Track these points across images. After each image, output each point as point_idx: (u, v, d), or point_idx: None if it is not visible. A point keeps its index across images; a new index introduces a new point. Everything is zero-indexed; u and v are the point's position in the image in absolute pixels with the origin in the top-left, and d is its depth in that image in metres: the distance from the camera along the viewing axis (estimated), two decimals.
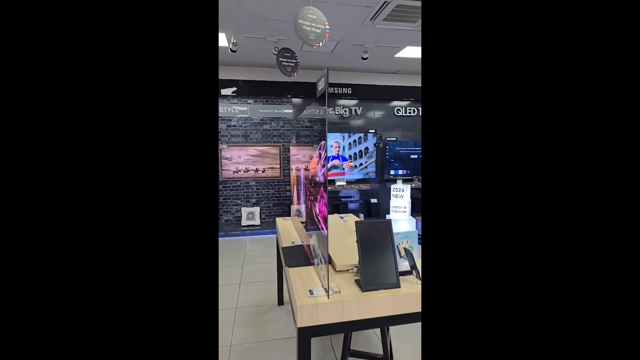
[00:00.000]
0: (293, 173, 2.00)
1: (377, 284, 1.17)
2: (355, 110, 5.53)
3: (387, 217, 3.96)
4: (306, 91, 5.28)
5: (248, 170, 5.23)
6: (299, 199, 1.76)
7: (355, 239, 1.60)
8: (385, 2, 2.97)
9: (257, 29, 3.67)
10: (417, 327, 2.27)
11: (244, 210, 5.11)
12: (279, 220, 2.45)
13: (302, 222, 1.63)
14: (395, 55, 4.63)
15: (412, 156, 5.38)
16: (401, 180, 4.54)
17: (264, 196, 5.36)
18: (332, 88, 5.36)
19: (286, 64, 3.50)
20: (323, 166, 0.99)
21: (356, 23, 3.47)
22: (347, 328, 1.12)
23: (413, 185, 4.81)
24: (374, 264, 1.19)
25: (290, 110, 5.32)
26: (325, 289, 1.13)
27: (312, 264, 1.39)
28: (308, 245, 1.51)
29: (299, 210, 1.89)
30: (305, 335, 1.08)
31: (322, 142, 1.01)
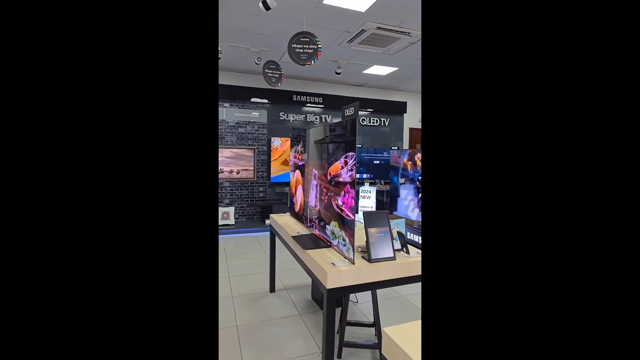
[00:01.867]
0: (296, 175, 2.36)
1: (380, 257, 1.60)
2: (325, 118, 5.99)
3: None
4: (279, 97, 5.61)
5: (222, 172, 5.39)
6: (306, 196, 2.13)
7: None
8: (363, 30, 3.47)
9: (242, 40, 3.94)
10: (397, 300, 2.76)
11: (219, 210, 5.26)
12: (275, 216, 2.78)
13: (314, 216, 2.00)
14: (363, 72, 5.20)
15: (374, 162, 5.99)
16: (368, 183, 5.10)
17: (238, 197, 5.55)
18: (305, 97, 5.77)
19: (271, 75, 3.82)
20: (351, 170, 1.40)
21: (335, 43, 3.94)
22: (362, 288, 1.53)
23: (377, 187, 5.41)
24: (377, 241, 1.62)
25: (257, 113, 5.61)
26: (350, 259, 1.53)
27: (328, 246, 1.78)
28: (321, 233, 1.90)
29: (303, 205, 2.25)
30: (333, 294, 1.46)
31: (350, 153, 1.42)
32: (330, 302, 1.47)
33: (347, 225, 1.52)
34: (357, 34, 3.59)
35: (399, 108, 6.47)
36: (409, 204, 3.77)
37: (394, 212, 3.97)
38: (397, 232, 1.74)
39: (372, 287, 1.56)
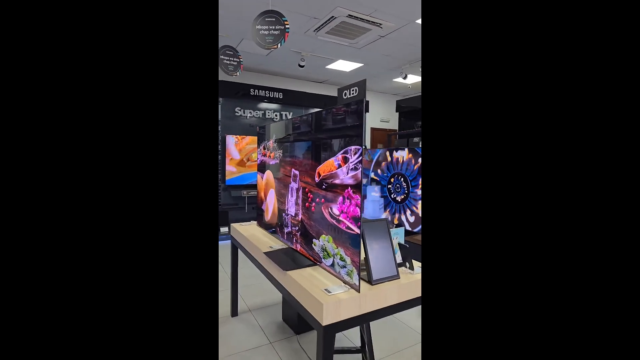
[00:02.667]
0: (267, 176, 1.96)
1: (383, 277, 1.29)
2: (285, 115, 5.60)
3: None
4: (234, 91, 5.09)
5: None
6: (282, 202, 1.74)
7: None
8: (333, 17, 3.17)
9: None
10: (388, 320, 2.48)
11: None
12: (238, 226, 2.33)
13: (294, 227, 1.62)
14: (327, 66, 4.92)
15: None
16: None
17: None
18: (263, 91, 5.31)
19: (228, 62, 3.34)
20: (354, 169, 1.06)
21: (300, 31, 3.58)
22: (366, 319, 1.21)
23: None
24: (378, 259, 1.31)
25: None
26: (354, 286, 1.19)
27: (313, 264, 1.42)
28: (303, 249, 1.53)
29: (277, 213, 1.86)
30: (331, 331, 1.11)
31: (353, 147, 1.08)
32: (328, 343, 1.11)
33: (349, 242, 1.18)
34: (326, 22, 3.28)
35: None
36: (375, 205, 3.57)
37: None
38: (399, 243, 1.45)
39: (377, 315, 1.24)
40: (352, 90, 1.26)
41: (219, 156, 5.08)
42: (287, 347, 2.06)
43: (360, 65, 4.79)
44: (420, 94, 6.66)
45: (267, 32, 2.53)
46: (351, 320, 1.16)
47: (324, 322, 1.10)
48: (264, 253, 1.66)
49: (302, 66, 4.35)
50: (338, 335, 2.23)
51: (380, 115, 6.80)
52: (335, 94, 6.11)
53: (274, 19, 2.52)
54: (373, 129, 6.74)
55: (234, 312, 2.45)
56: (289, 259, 1.53)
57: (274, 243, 1.84)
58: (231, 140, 4.96)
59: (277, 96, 5.42)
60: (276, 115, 5.52)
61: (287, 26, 2.53)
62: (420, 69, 4.37)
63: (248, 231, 2.16)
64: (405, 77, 4.80)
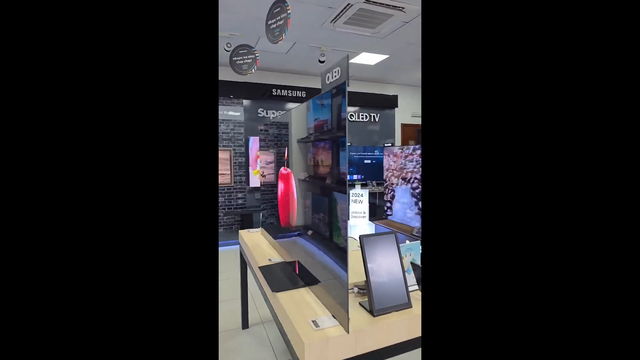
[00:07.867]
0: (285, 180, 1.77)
1: (388, 305, 1.04)
2: None
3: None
4: (257, 92, 5.01)
5: None
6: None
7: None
8: (349, 4, 2.91)
9: None
10: None
11: None
12: (243, 233, 2.18)
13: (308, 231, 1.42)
14: (350, 61, 4.66)
15: (365, 161, 5.45)
16: (359, 185, 4.54)
17: None
18: (286, 90, 5.18)
19: (241, 62, 3.22)
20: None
21: (316, 24, 3.37)
22: None
23: (369, 189, 4.84)
24: (383, 282, 1.05)
25: (234, 112, 4.99)
26: (341, 321, 0.95)
27: (316, 283, 1.20)
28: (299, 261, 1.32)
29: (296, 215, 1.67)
30: None
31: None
32: None
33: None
34: (342, 10, 3.04)
35: (390, 102, 5.95)
36: (405, 207, 3.24)
37: (389, 218, 3.45)
38: (410, 262, 1.18)
39: (379, 357, 0.98)
40: (335, 71, 1.02)
41: (242, 158, 5.04)
42: None
43: (386, 57, 4.47)
44: None
45: (275, 25, 2.35)
46: None
47: None
48: (258, 267, 1.47)
49: (322, 62, 4.13)
50: None
51: (412, 110, 6.37)
52: (361, 89, 5.81)
53: (279, 9, 2.33)
54: (404, 125, 6.32)
55: (245, 324, 2.30)
56: (281, 277, 1.32)
57: (275, 255, 1.65)
58: (257, 141, 4.89)
59: (300, 95, 5.27)
60: None
61: (289, 12, 2.31)
62: None
63: (252, 239, 1.99)
64: None
